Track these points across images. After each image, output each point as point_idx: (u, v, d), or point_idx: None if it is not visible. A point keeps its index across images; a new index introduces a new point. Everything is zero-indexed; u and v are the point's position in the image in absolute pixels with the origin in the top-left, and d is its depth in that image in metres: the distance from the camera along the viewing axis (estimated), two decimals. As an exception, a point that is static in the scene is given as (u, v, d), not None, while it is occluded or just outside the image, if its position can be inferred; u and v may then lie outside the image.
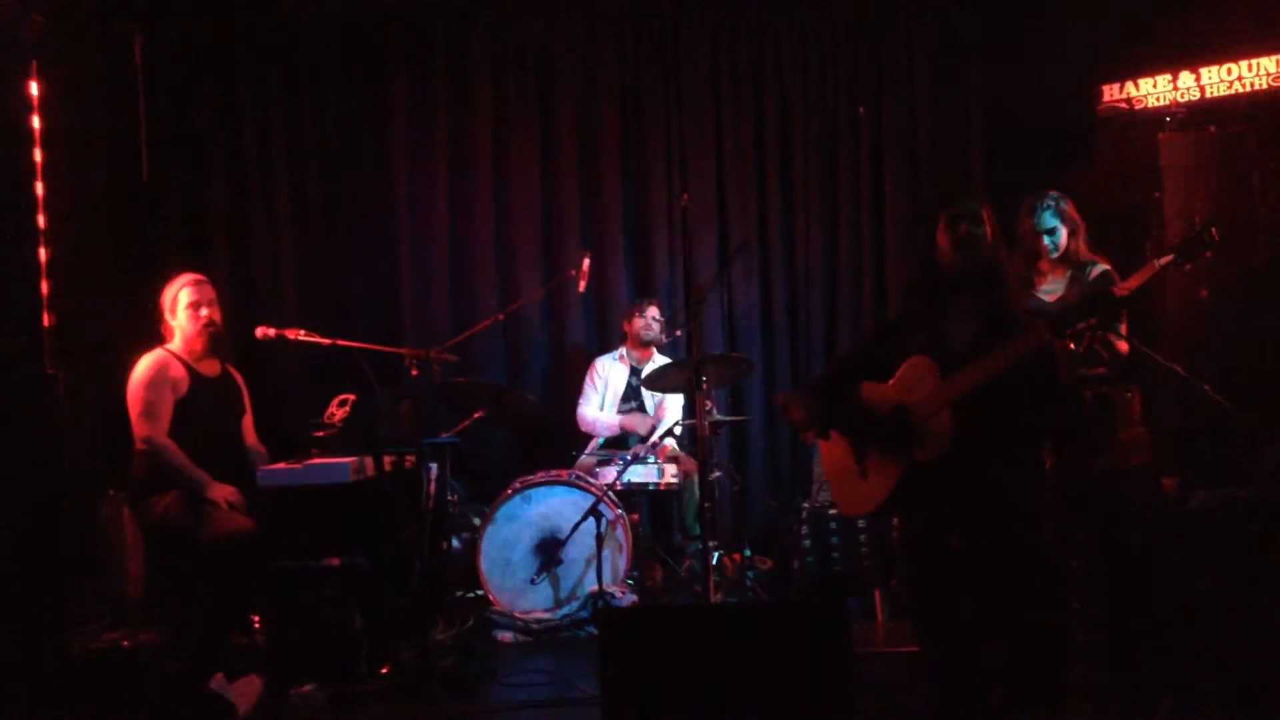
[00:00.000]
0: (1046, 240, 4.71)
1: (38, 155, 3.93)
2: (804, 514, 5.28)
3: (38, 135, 3.99)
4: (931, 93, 6.40)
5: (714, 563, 5.03)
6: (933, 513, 3.24)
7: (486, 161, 6.27)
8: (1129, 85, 5.69)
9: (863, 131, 6.43)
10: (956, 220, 3.25)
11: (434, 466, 4.89)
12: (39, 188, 3.93)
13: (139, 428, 4.48)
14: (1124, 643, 3.90)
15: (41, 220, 3.97)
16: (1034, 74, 6.10)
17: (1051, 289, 4.76)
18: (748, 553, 5.43)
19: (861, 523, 5.12)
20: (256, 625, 4.41)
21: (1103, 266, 4.68)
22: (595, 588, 4.92)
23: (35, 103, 3.97)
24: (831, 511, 5.20)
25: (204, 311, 4.62)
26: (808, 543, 5.22)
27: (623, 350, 5.98)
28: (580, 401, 5.94)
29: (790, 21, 6.43)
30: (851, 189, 6.44)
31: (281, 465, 4.46)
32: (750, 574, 5.29)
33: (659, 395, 5.85)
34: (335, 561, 4.25)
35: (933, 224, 3.35)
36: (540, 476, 5.18)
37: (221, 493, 4.41)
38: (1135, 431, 4.25)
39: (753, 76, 6.44)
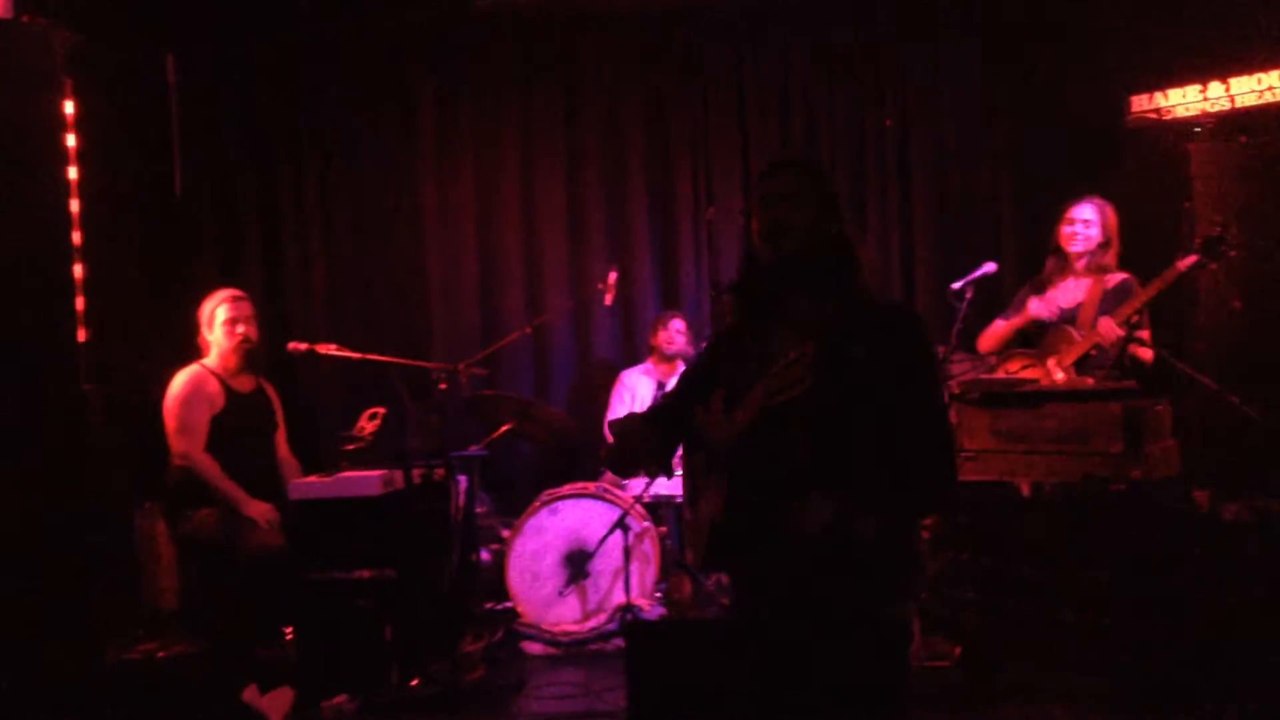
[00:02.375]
0: (1078, 228, 4.72)
1: (73, 173, 3.97)
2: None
3: (72, 153, 4.03)
4: (959, 105, 6.39)
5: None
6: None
7: (513, 176, 6.31)
8: (1158, 95, 5.65)
9: (889, 143, 6.42)
10: (764, 200, 2.42)
11: (463, 479, 4.92)
12: (74, 205, 3.97)
13: (175, 444, 4.54)
14: (1149, 658, 3.87)
15: (76, 237, 4.01)
16: (1062, 85, 6.08)
17: (1073, 294, 4.76)
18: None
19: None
20: (289, 637, 4.45)
21: (1122, 276, 4.68)
22: (623, 600, 4.93)
23: (69, 120, 4.02)
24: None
25: (240, 328, 4.68)
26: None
27: (649, 363, 5.99)
28: (607, 414, 5.95)
29: (814, 30, 6.43)
30: (879, 201, 6.42)
31: (313, 478, 4.50)
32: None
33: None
34: (365, 574, 4.28)
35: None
36: (567, 489, 5.20)
37: (258, 510, 4.46)
38: (1165, 444, 4.22)
39: (779, 87, 6.43)
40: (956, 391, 4.36)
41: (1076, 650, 4.01)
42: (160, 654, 4.38)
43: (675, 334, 5.85)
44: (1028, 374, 4.68)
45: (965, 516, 4.39)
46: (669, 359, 5.89)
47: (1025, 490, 4.31)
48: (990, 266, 4.71)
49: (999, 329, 4.97)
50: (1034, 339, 4.85)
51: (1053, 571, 4.11)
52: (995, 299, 5.14)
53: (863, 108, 6.44)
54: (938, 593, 4.68)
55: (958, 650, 4.28)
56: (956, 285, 4.71)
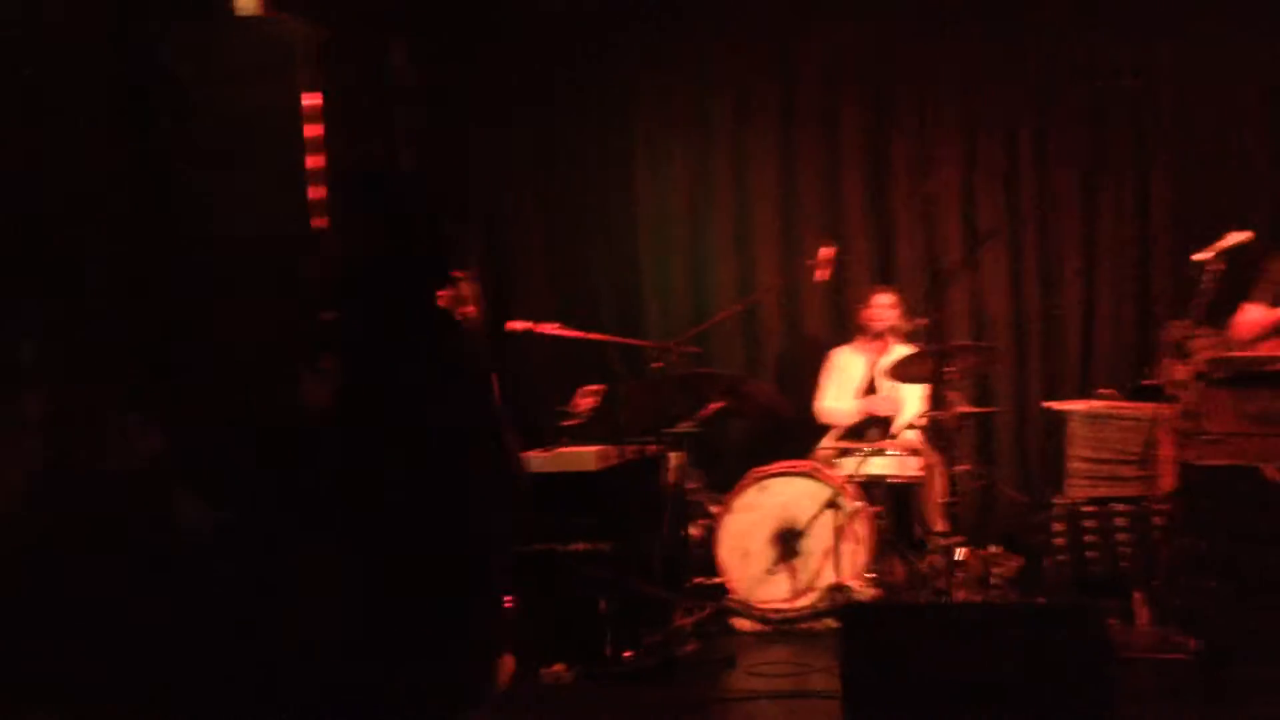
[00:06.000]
0: None
1: (314, 162, 4.20)
2: (1056, 510, 5.06)
3: (315, 144, 4.27)
4: (1207, 65, 5.92)
5: (958, 559, 4.90)
6: None
7: (725, 151, 6.32)
8: None
9: (1125, 109, 6.04)
10: None
11: (675, 455, 4.98)
12: (316, 193, 4.21)
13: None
14: None
15: (318, 223, 4.25)
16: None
17: None
18: (994, 550, 5.25)
19: (1120, 520, 4.87)
20: (510, 606, 4.62)
21: None
22: (834, 580, 4.88)
23: (313, 112, 4.25)
24: (1087, 508, 4.96)
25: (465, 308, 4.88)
26: (1060, 540, 5.00)
27: (859, 341, 5.87)
28: (818, 395, 5.88)
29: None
30: (1117, 172, 6.05)
31: (534, 454, 4.66)
32: (996, 572, 5.12)
33: (896, 385, 5.70)
34: (581, 546, 4.40)
35: None
36: (777, 467, 5.17)
37: None
38: None
39: (1003, 53, 6.14)
40: (1202, 370, 4.10)
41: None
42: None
43: (880, 309, 5.68)
44: (1287, 353, 4.35)
45: (1206, 501, 4.14)
46: (876, 336, 5.74)
47: (1277, 475, 4.03)
48: (1239, 236, 4.40)
49: (1260, 319, 4.50)
50: None
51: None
52: (1246, 271, 4.79)
53: (1098, 72, 6.07)
54: (1173, 581, 4.43)
55: (1194, 643, 4.04)
56: (1199, 256, 4.41)
